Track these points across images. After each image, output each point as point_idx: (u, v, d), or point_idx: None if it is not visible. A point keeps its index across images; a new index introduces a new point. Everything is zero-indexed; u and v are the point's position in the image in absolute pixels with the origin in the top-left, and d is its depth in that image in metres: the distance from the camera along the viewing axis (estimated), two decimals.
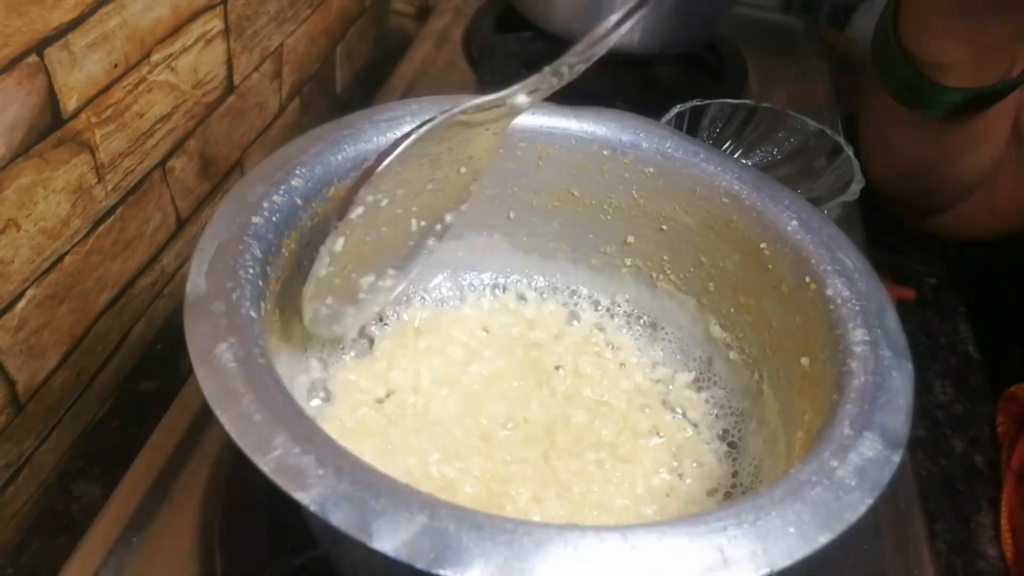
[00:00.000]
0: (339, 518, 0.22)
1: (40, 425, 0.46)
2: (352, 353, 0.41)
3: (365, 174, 0.33)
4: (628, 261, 0.45)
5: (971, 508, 0.52)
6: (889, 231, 0.71)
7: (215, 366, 0.26)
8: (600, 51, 0.35)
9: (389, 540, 0.22)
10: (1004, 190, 0.57)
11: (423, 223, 0.38)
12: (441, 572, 0.21)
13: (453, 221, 0.40)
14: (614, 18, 0.36)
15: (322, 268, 0.34)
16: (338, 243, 0.34)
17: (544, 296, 0.47)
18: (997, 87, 0.48)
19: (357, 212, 0.33)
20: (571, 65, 0.35)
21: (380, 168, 0.32)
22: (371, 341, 0.42)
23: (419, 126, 0.33)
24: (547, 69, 0.35)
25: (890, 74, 0.52)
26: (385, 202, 0.35)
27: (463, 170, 0.37)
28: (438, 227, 0.39)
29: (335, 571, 0.35)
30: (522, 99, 0.35)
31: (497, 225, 0.45)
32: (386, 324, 0.43)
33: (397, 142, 0.33)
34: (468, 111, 0.34)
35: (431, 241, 0.39)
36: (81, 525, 0.40)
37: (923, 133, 0.53)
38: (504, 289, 0.47)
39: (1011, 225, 0.59)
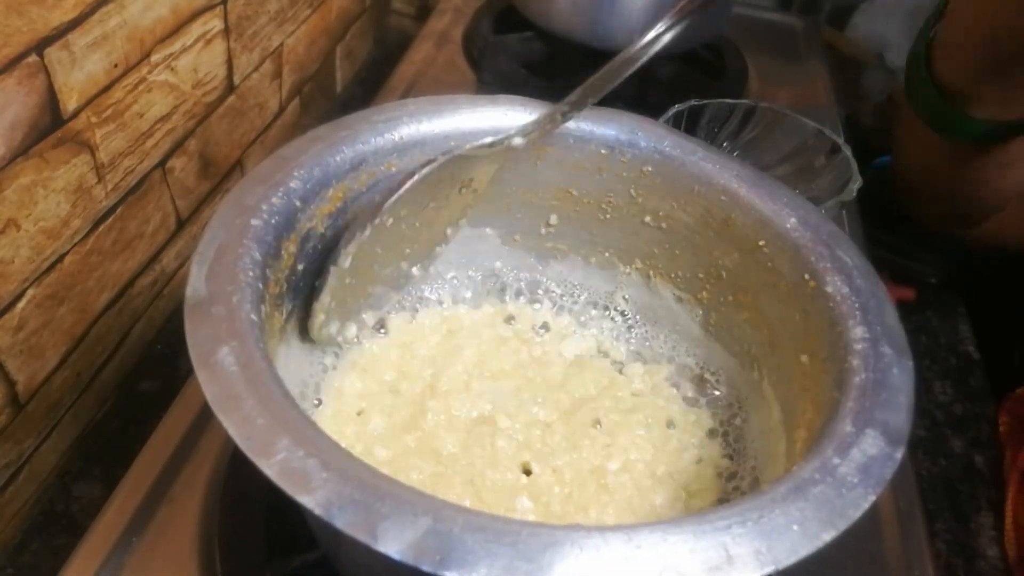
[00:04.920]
0: (344, 521, 0.22)
1: (40, 425, 0.46)
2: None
3: (376, 208, 0.36)
4: (626, 260, 0.45)
5: (971, 508, 0.52)
6: (889, 231, 0.71)
7: (217, 370, 0.26)
8: (592, 99, 0.40)
9: (395, 542, 0.22)
10: None
11: (427, 235, 0.41)
12: (447, 574, 0.21)
13: (452, 234, 0.43)
14: (605, 69, 0.39)
15: (333, 281, 0.36)
16: (347, 260, 0.36)
17: (541, 296, 0.47)
18: (1019, 123, 0.49)
19: (365, 234, 0.36)
20: (564, 112, 0.39)
21: (387, 204, 0.36)
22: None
23: (424, 165, 0.37)
24: (545, 113, 0.39)
25: (919, 99, 0.53)
26: (390, 222, 0.37)
27: (463, 191, 0.40)
28: (439, 240, 0.43)
29: (336, 572, 0.34)
30: (518, 141, 0.39)
31: (494, 224, 0.45)
32: (383, 329, 0.43)
33: (402, 181, 0.36)
34: (470, 151, 0.38)
35: (437, 249, 0.43)
36: (81, 525, 0.40)
37: (954, 157, 0.54)
38: (501, 289, 0.47)
39: None
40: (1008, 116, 0.49)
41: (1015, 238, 0.61)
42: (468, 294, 0.46)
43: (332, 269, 0.36)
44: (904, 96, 0.56)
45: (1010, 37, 0.45)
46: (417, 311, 0.44)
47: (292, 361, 0.37)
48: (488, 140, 0.39)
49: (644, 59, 0.39)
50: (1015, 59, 0.46)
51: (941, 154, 0.55)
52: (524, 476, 0.37)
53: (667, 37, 0.39)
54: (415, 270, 0.42)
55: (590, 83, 0.39)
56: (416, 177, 0.36)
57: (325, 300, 0.36)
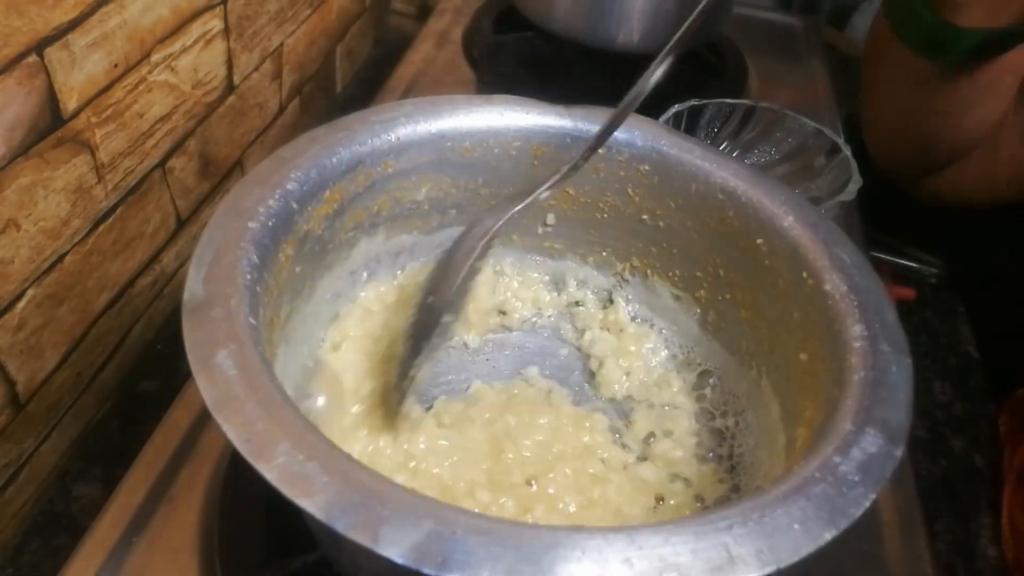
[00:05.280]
0: (345, 524, 0.22)
1: (40, 425, 0.46)
2: None
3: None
4: (624, 258, 0.45)
5: (971, 508, 0.52)
6: (889, 231, 0.71)
7: (216, 374, 0.26)
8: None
9: (396, 545, 0.22)
10: (1004, 155, 0.57)
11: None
12: None
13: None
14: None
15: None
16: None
17: (539, 295, 0.47)
18: (1008, 30, 0.48)
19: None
20: (586, 157, 0.38)
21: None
22: None
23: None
24: (566, 168, 0.38)
25: (908, 23, 0.52)
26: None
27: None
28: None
29: (337, 574, 0.34)
30: (544, 195, 0.39)
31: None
32: None
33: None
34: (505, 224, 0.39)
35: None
36: (81, 525, 0.40)
37: (934, 84, 0.54)
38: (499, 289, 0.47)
39: (1007, 192, 0.59)
40: (995, 23, 0.48)
41: (977, 192, 0.60)
42: None
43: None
44: (880, 36, 0.55)
45: None
46: None
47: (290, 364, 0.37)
48: (518, 206, 0.39)
49: (648, 90, 0.38)
50: None
51: (921, 85, 0.54)
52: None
53: (663, 67, 0.39)
54: (447, 318, 0.39)
55: (604, 128, 0.39)
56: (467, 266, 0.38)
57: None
